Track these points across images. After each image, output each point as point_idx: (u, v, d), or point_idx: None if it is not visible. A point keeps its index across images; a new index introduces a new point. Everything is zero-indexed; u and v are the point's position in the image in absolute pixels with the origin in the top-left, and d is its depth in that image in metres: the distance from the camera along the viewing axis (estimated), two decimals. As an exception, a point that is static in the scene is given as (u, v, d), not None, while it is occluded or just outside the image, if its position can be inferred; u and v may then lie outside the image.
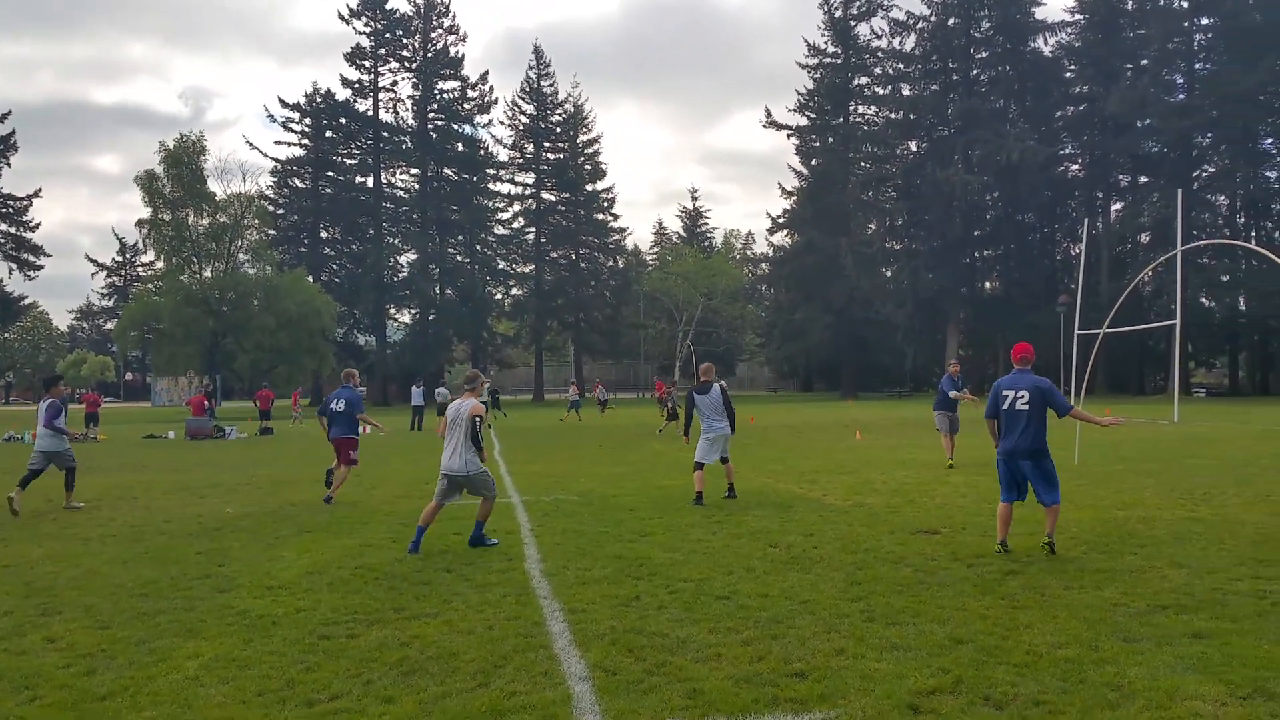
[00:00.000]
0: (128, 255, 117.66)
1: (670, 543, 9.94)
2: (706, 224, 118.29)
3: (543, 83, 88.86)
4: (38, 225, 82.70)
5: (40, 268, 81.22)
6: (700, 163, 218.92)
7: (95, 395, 39.80)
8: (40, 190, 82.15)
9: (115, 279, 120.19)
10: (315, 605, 7.52)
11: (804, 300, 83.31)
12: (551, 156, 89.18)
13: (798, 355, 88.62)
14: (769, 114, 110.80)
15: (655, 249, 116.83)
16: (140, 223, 64.07)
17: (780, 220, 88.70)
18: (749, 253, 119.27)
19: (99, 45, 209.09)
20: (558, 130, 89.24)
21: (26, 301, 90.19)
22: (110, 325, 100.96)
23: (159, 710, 5.24)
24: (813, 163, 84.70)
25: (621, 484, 15.48)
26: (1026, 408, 9.12)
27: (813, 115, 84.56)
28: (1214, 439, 23.55)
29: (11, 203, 78.62)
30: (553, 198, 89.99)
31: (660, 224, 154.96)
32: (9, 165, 76.99)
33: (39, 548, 10.63)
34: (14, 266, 79.73)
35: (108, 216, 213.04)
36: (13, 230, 79.39)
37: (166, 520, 12.58)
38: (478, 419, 10.13)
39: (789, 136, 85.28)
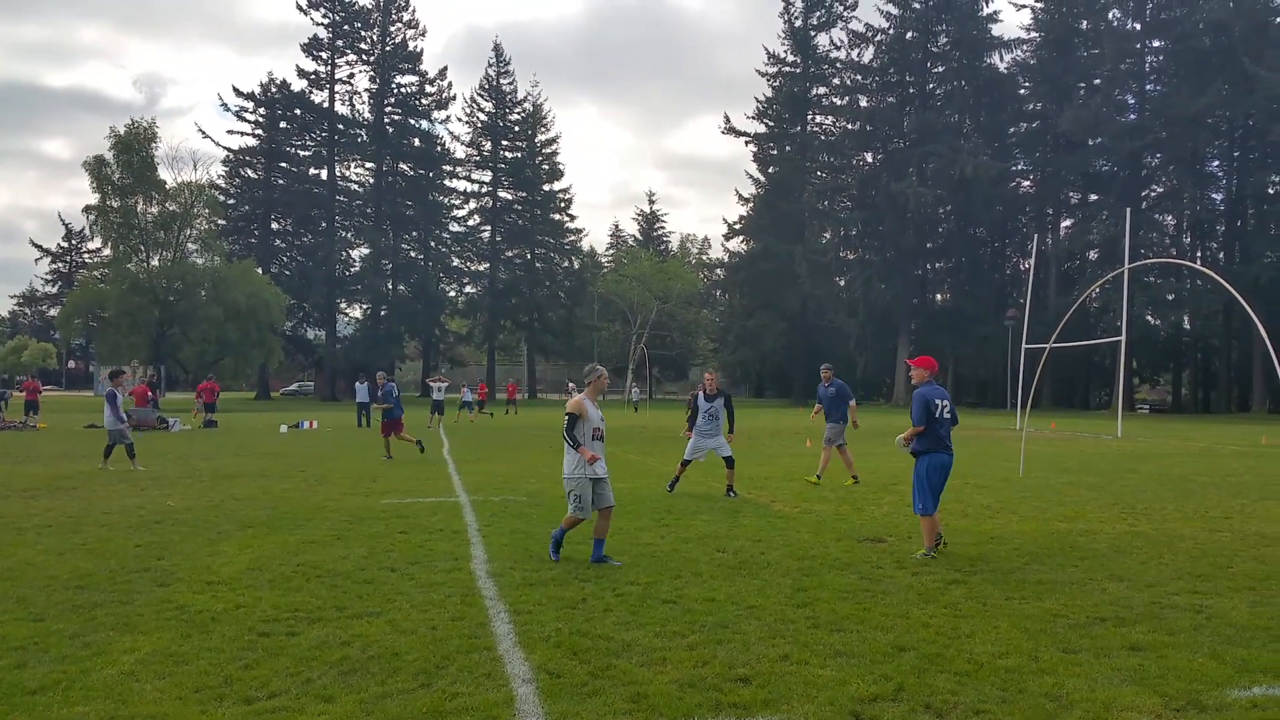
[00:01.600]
0: (74, 241, 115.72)
1: (618, 546, 9.91)
2: (663, 228, 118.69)
3: (502, 81, 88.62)
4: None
5: (-18, 251, 79.69)
6: (658, 166, 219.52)
7: (35, 383, 39.09)
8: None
9: (60, 265, 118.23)
10: (256, 602, 7.42)
11: (758, 307, 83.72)
12: (509, 155, 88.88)
13: (751, 361, 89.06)
14: (728, 120, 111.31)
15: (611, 251, 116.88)
16: (88, 209, 62.91)
17: (736, 226, 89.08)
18: (704, 258, 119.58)
19: (52, 28, 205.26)
20: (516, 129, 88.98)
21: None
22: (54, 312, 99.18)
23: (93, 705, 5.14)
24: (770, 170, 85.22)
25: (570, 485, 15.42)
26: (949, 416, 9.61)
27: (771, 123, 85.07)
28: (1155, 455, 23.92)
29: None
30: (509, 196, 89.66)
31: (617, 226, 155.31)
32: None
33: (-28, 537, 10.40)
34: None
35: (54, 201, 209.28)
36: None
37: (106, 512, 12.36)
38: (570, 416, 9.13)
39: (747, 143, 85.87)
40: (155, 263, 64.47)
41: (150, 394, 35.43)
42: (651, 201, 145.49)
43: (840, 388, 16.45)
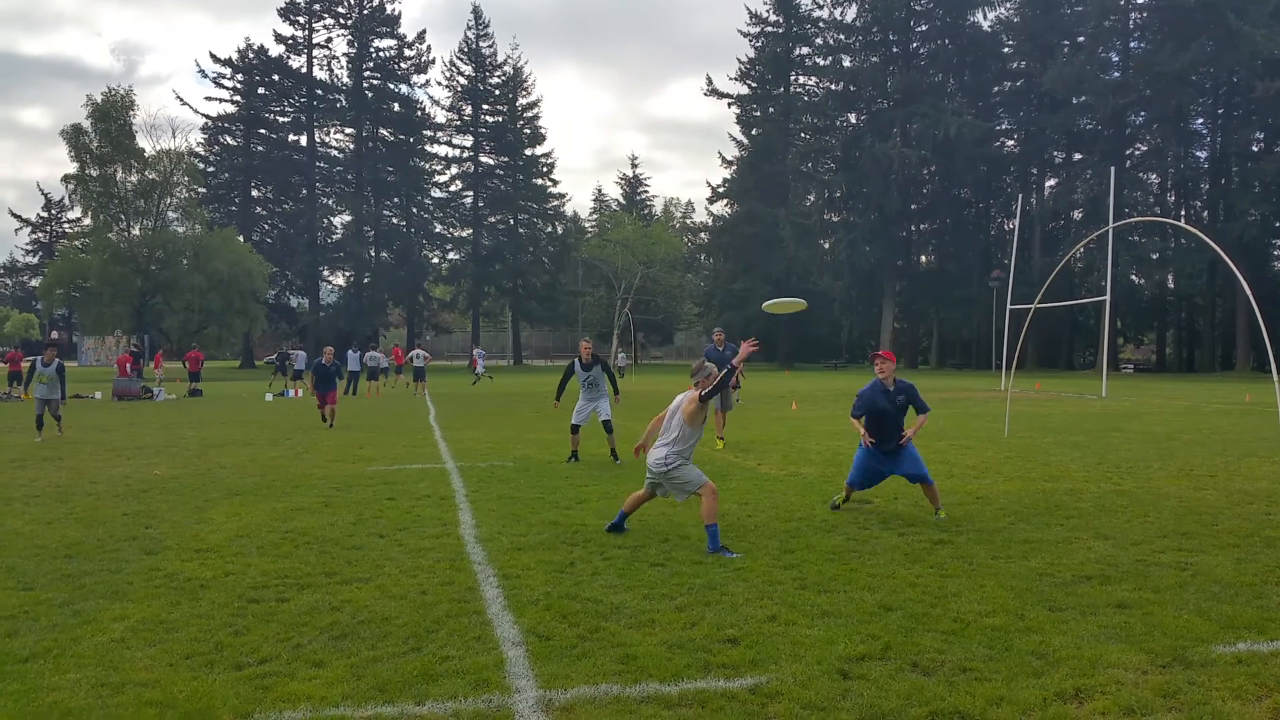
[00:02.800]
0: (54, 211, 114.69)
1: (605, 510, 9.94)
2: (646, 192, 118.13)
3: (482, 44, 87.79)
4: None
5: (-39, 222, 78.96)
6: (641, 130, 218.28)
7: (18, 353, 38.89)
8: (-39, 142, 79.78)
9: (41, 235, 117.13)
10: (244, 569, 7.42)
11: (742, 270, 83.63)
12: (490, 119, 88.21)
13: (736, 325, 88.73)
14: (710, 82, 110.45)
15: (594, 216, 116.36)
16: (67, 178, 62.35)
17: (720, 190, 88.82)
18: (689, 222, 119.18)
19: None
20: (497, 93, 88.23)
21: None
22: (35, 282, 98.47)
23: (83, 673, 5.13)
24: (753, 132, 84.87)
25: (558, 451, 15.45)
26: None
27: (754, 85, 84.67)
28: (1140, 414, 24.07)
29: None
30: (491, 161, 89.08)
31: (600, 191, 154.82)
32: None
33: (-42, 509, 10.36)
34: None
35: (33, 171, 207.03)
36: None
37: (93, 481, 12.33)
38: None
39: (730, 105, 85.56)
40: (136, 232, 64.05)
41: (133, 364, 35.32)
42: (634, 165, 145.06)
43: (734, 351, 16.64)
